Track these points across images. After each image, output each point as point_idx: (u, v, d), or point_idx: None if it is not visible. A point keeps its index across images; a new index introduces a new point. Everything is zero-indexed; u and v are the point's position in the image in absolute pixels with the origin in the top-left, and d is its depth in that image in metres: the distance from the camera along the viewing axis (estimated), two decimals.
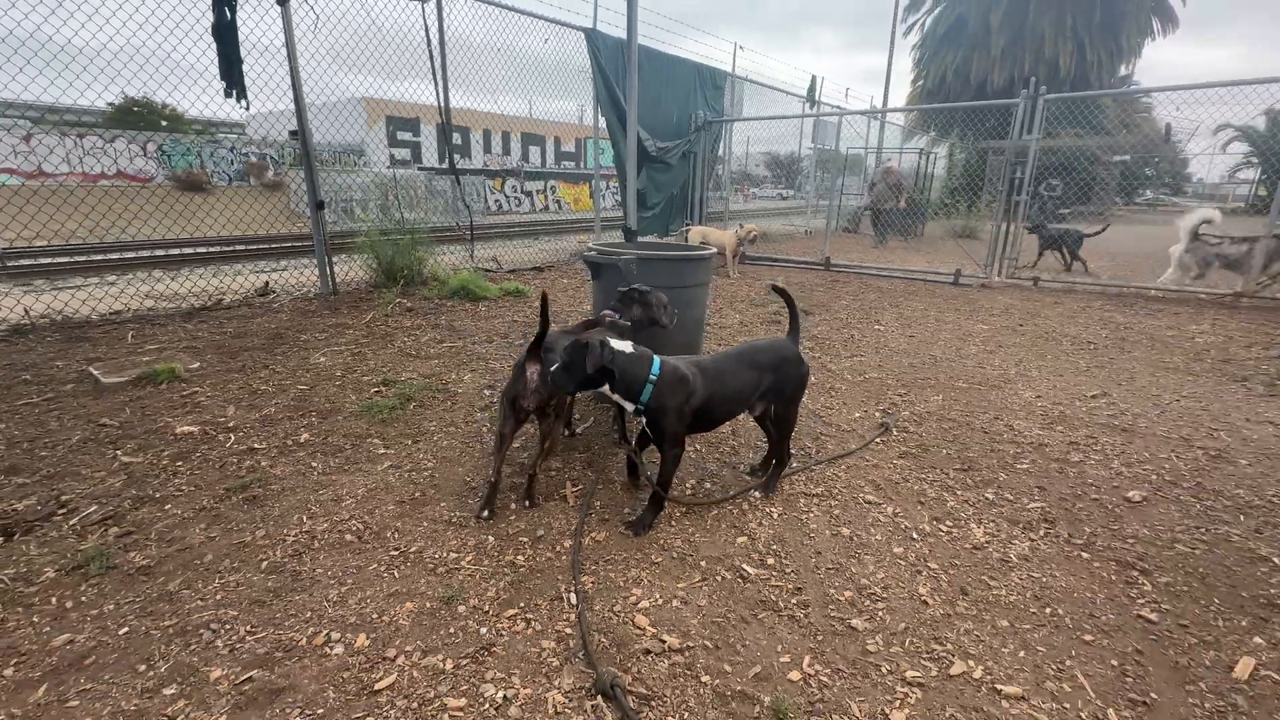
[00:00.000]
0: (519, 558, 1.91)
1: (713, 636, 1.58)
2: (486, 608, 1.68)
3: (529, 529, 2.06)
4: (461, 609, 1.68)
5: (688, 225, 8.59)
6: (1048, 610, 1.72)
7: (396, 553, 1.94)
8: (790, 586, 1.78)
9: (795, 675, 1.48)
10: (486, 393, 3.33)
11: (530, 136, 25.33)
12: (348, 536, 2.02)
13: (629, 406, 1.97)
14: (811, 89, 12.44)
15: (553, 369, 1.93)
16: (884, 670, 1.50)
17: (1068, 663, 1.54)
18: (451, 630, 1.61)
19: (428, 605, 1.70)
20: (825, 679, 1.47)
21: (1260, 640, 1.61)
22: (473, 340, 4.35)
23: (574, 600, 1.71)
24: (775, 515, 2.14)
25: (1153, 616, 1.70)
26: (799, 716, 1.36)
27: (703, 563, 1.88)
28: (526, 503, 2.19)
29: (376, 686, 1.42)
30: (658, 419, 1.95)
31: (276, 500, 2.23)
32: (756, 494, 2.27)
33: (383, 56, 6.31)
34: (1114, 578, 1.87)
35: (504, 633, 1.60)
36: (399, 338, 4.29)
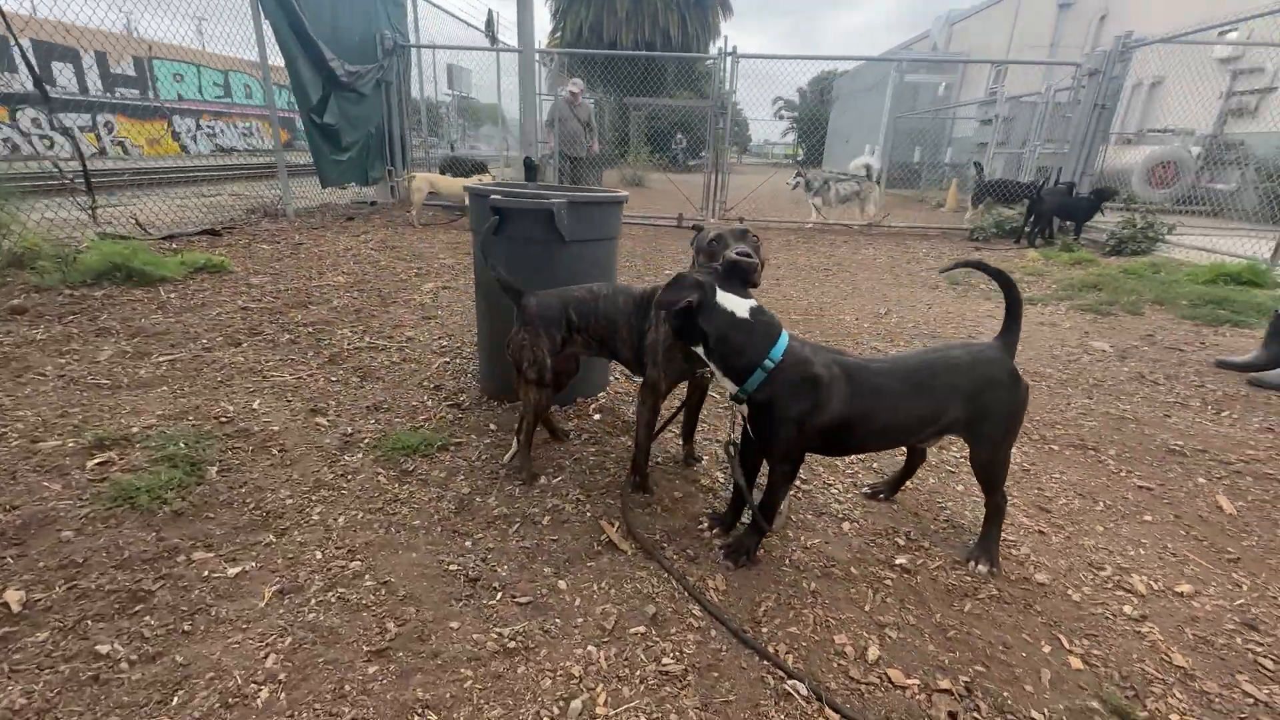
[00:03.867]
0: (665, 658, 1.24)
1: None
2: None
3: (626, 603, 1.36)
4: None
5: (410, 174, 7.14)
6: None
7: None
8: None
9: None
10: (344, 426, 2.14)
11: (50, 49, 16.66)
12: None
13: (728, 387, 1.42)
14: (490, 23, 11.52)
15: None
16: None
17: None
18: None
19: None
20: None
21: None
22: (201, 344, 2.78)
23: (805, 690, 1.18)
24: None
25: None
26: None
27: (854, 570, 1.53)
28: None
29: None
30: (766, 421, 1.39)
31: None
32: (980, 568, 1.54)
33: None
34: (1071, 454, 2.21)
35: None
36: (41, 362, 2.46)
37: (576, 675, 1.19)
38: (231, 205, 6.73)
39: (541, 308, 1.80)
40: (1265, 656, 1.31)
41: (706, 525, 1.68)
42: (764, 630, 1.33)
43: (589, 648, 1.26)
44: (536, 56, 10.17)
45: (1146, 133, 10.76)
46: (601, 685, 1.17)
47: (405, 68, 8.17)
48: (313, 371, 2.61)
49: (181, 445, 1.87)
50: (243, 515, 1.62)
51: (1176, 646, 1.33)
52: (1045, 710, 1.16)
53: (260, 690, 1.12)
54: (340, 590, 1.38)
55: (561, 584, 1.44)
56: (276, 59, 6.01)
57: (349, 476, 1.84)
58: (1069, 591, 1.49)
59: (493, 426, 2.21)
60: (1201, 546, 1.70)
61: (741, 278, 1.44)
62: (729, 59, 7.65)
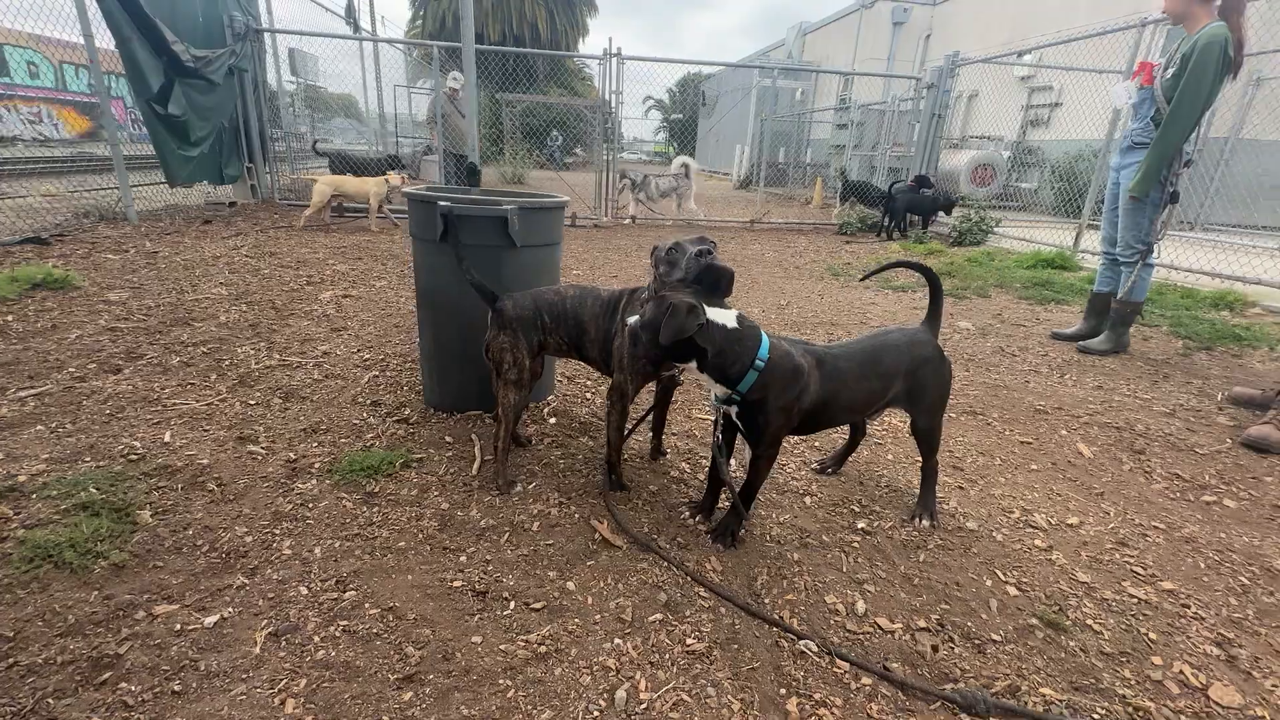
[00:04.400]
0: (687, 639, 1.32)
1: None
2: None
3: (637, 595, 1.42)
4: None
5: (307, 174, 6.52)
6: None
7: None
8: None
9: None
10: (283, 452, 1.96)
11: None
12: None
13: (719, 392, 1.54)
14: (350, 9, 10.70)
15: (629, 332, 1.50)
16: None
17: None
18: None
19: None
20: None
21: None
22: (69, 373, 2.42)
23: (815, 647, 1.32)
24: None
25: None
26: None
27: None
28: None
29: None
30: (758, 417, 1.51)
31: None
32: (924, 523, 1.79)
33: None
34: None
35: None
36: None
37: (612, 667, 1.24)
38: (52, 208, 5.73)
39: (518, 310, 1.81)
40: (1137, 565, 1.66)
41: (689, 514, 1.79)
42: (766, 601, 1.46)
43: (615, 640, 1.31)
44: (404, 49, 9.62)
45: (968, 139, 12.43)
46: (638, 672, 1.23)
47: (260, 54, 7.41)
48: (223, 396, 2.36)
49: (94, 490, 1.64)
50: (197, 559, 1.47)
51: (1078, 567, 1.65)
52: (1000, 631, 1.40)
53: None
54: (343, 623, 1.31)
55: (570, 585, 1.47)
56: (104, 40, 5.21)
57: (310, 505, 1.71)
58: (993, 534, 1.78)
59: (449, 439, 2.15)
60: (1075, 486, 2.09)
61: (713, 285, 1.56)
62: (614, 60, 7.78)
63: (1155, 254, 3.35)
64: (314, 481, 1.83)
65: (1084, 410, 2.69)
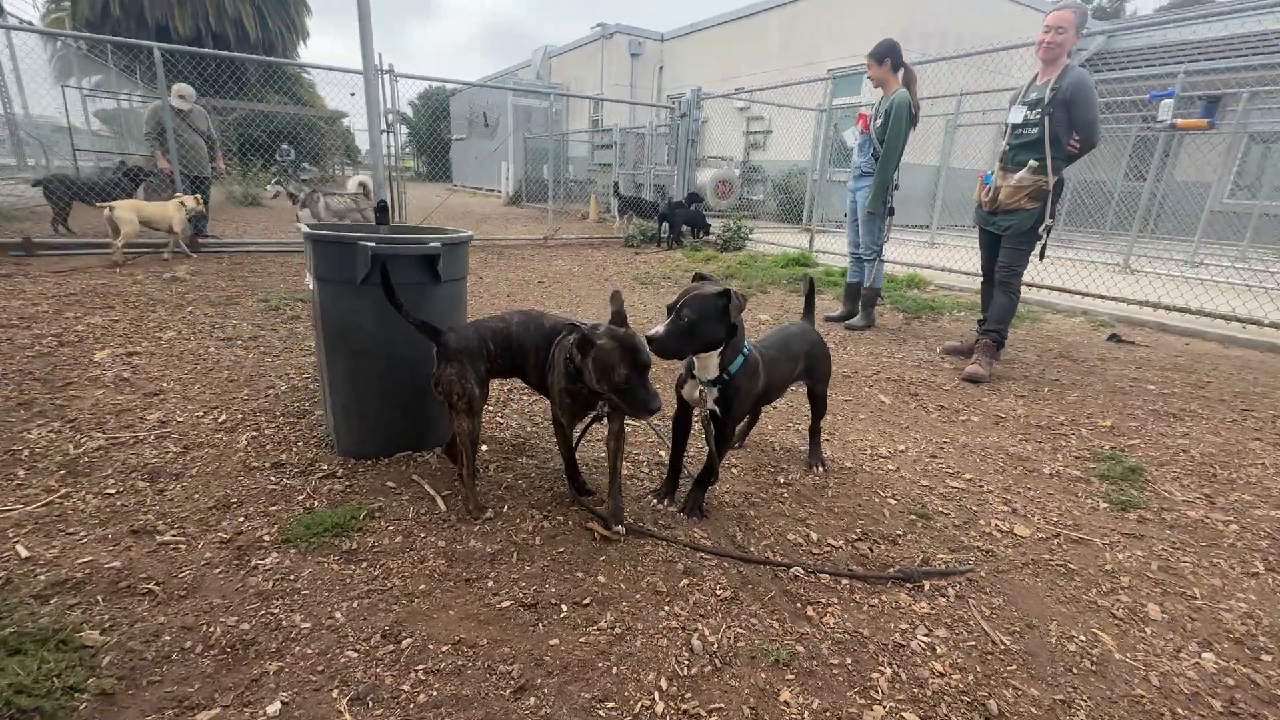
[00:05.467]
0: (717, 591, 1.62)
1: None
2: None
3: (658, 571, 1.67)
4: None
5: (104, 204, 4.93)
6: None
7: None
8: None
9: None
10: (208, 535, 1.69)
11: None
12: None
13: (709, 375, 1.84)
14: None
15: (682, 320, 1.73)
16: None
17: None
18: None
19: None
20: None
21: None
22: None
23: (801, 571, 1.73)
24: None
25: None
26: None
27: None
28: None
29: None
30: (733, 397, 1.85)
31: None
32: (819, 469, 2.33)
33: None
34: None
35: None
36: None
37: (675, 626, 1.49)
38: None
39: (462, 341, 1.88)
40: (947, 468, 2.43)
41: (654, 500, 2.07)
42: (751, 548, 1.83)
43: (664, 609, 1.55)
44: (69, 44, 7.71)
45: (707, 159, 14.49)
46: (697, 624, 1.50)
47: None
48: (60, 491, 1.92)
49: None
50: (200, 661, 1.30)
51: (917, 476, 2.35)
52: (900, 529, 1.98)
53: None
54: (419, 667, 1.32)
55: (600, 578, 1.66)
56: None
57: (291, 577, 1.58)
58: (863, 467, 2.41)
59: (391, 485, 2.09)
60: (890, 424, 2.88)
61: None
62: (387, 76, 7.43)
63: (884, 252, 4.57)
64: (275, 555, 1.67)
65: (870, 371, 3.62)
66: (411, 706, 1.23)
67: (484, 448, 2.41)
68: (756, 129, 14.67)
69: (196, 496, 1.94)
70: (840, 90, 11.98)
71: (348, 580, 1.59)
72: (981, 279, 3.93)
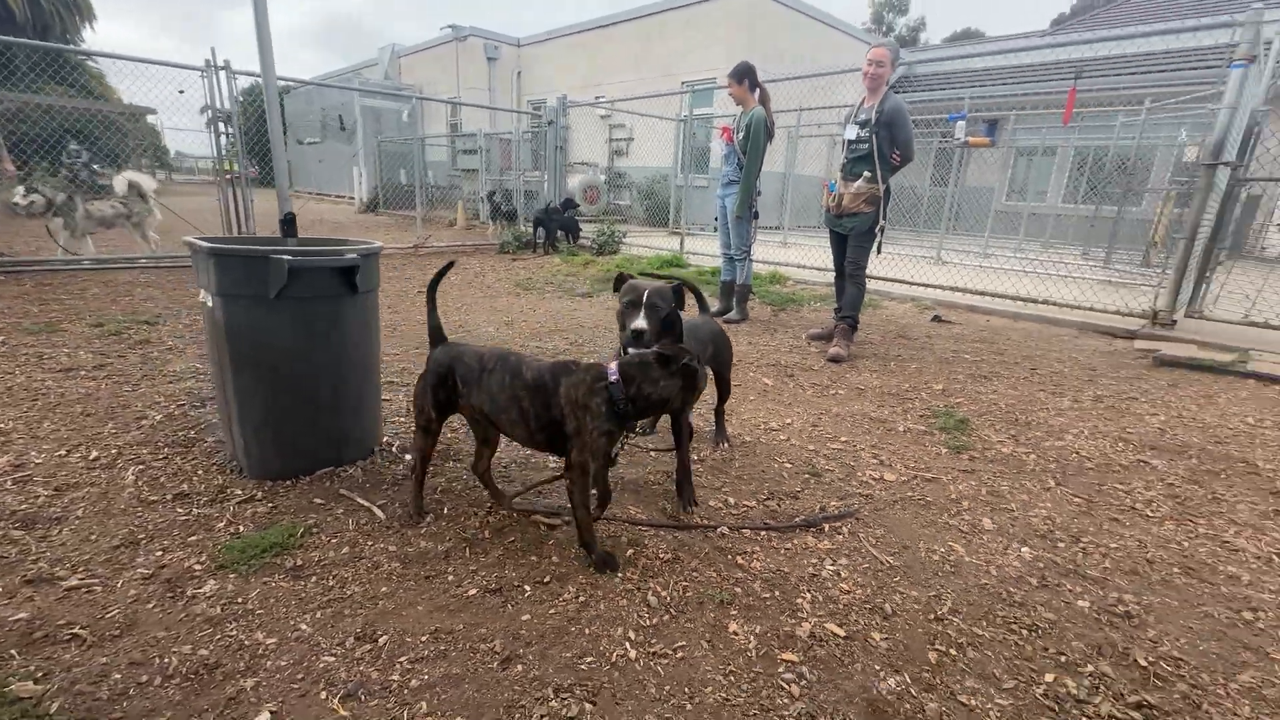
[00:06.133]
0: (661, 554, 1.83)
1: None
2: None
3: (606, 545, 1.84)
4: None
5: None
6: None
7: None
8: None
9: None
10: (127, 574, 1.55)
11: None
12: None
13: None
14: None
15: (656, 311, 1.94)
16: None
17: None
18: None
19: None
20: None
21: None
22: None
23: (726, 530, 1.99)
24: None
25: None
26: None
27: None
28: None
29: None
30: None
31: None
32: (725, 445, 2.62)
33: None
34: None
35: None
36: None
37: (632, 589, 1.68)
38: None
39: (434, 363, 1.88)
40: (826, 434, 2.85)
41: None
42: (681, 517, 2.07)
43: (618, 576, 1.73)
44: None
45: (574, 164, 14.71)
46: (649, 582, 1.70)
47: None
48: None
49: None
50: (164, 690, 1.26)
51: (804, 443, 2.74)
52: (797, 487, 2.33)
53: None
54: (403, 659, 1.39)
55: (554, 559, 1.79)
56: None
57: (239, 600, 1.54)
58: (760, 439, 2.76)
59: (319, 501, 2.05)
60: (776, 402, 3.28)
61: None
62: (223, 73, 6.75)
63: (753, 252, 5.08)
64: (213, 582, 1.61)
65: (752, 359, 4.05)
66: (406, 692, 1.30)
67: (407, 457, 2.42)
68: (619, 136, 15.16)
69: (94, 538, 1.78)
70: (697, 101, 12.79)
71: (302, 595, 1.58)
72: (834, 273, 4.53)
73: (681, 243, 8.80)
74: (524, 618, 1.54)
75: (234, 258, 1.94)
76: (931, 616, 1.62)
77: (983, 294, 5.95)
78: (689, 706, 1.30)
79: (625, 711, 1.28)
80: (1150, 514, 2.20)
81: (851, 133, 4.15)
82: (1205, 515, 2.20)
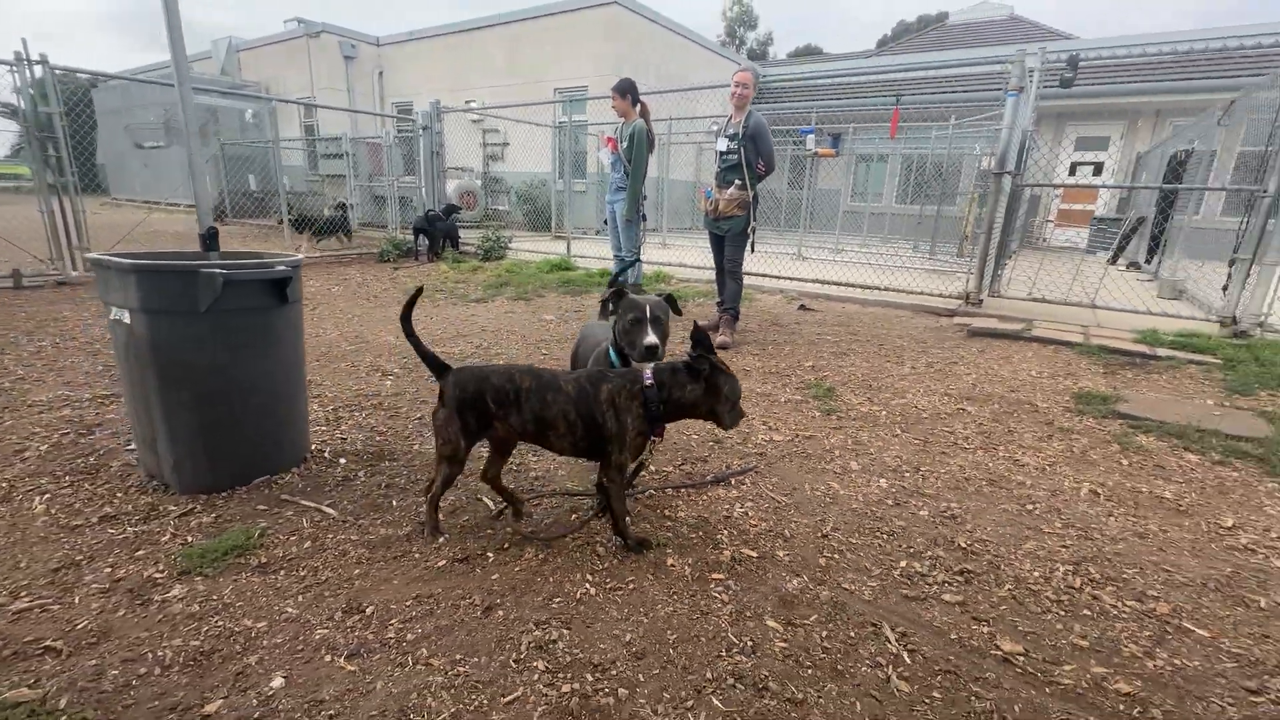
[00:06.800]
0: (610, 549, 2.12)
1: None
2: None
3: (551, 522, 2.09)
4: None
5: None
6: None
7: None
8: None
9: None
10: (76, 595, 1.54)
11: None
12: None
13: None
14: None
15: (660, 326, 2.12)
16: None
17: None
18: None
19: None
20: None
21: None
22: None
23: (651, 492, 2.33)
24: None
25: None
26: None
27: None
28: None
29: None
30: None
31: None
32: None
33: None
34: None
35: None
36: None
37: (583, 543, 1.96)
38: None
39: (459, 389, 1.81)
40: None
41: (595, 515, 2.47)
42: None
43: (569, 536, 2.01)
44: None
45: (449, 169, 14.40)
46: (596, 537, 1.99)
47: None
48: None
49: None
50: (168, 677, 1.35)
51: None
52: (705, 452, 2.72)
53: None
54: (395, 623, 1.57)
55: (508, 529, 2.03)
56: None
57: (215, 597, 1.62)
58: None
59: (262, 508, 2.11)
60: None
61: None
62: (36, 66, 5.98)
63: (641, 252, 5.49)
64: (180, 586, 1.66)
65: None
66: (404, 644, 1.49)
67: (342, 460, 2.50)
68: (493, 141, 15.06)
69: (23, 564, 1.73)
70: (571, 109, 13.10)
71: (278, 585, 1.69)
72: (715, 270, 5.06)
73: (568, 246, 9.06)
74: (493, 577, 1.77)
75: (160, 273, 1.95)
76: (819, 535, 2.07)
77: (838, 284, 6.84)
78: (645, 620, 1.62)
79: (596, 631, 1.57)
80: (966, 446, 2.86)
81: (722, 145, 4.68)
82: (1003, 444, 2.89)
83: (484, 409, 1.81)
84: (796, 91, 16.36)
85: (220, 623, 1.53)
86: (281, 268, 2.13)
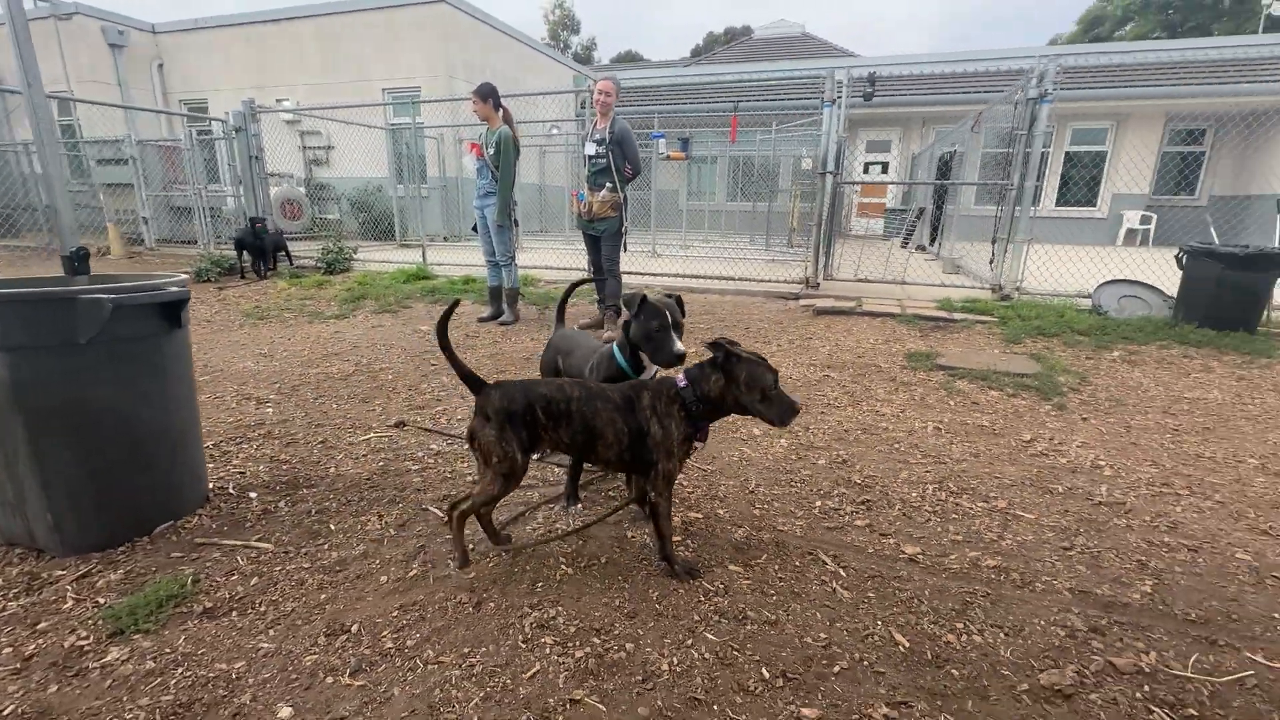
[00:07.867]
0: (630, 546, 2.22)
1: None
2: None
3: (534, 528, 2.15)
4: None
5: None
6: None
7: None
8: None
9: None
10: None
11: None
12: None
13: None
14: None
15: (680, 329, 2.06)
16: None
17: None
18: None
19: None
20: None
21: None
22: None
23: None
24: None
25: None
26: None
27: None
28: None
29: None
30: None
31: None
32: None
33: None
34: None
35: None
36: None
37: (572, 563, 2.06)
38: None
39: (506, 401, 1.74)
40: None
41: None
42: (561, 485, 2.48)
43: (527, 526, 2.09)
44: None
45: (269, 176, 12.91)
46: (557, 524, 2.10)
47: None
48: None
49: None
50: None
51: None
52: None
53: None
54: (385, 634, 1.56)
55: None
56: None
57: (169, 650, 1.47)
58: None
59: (177, 554, 1.91)
60: None
61: None
62: None
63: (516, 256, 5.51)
64: (119, 648, 1.48)
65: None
66: (407, 650, 1.50)
67: (253, 495, 2.31)
68: (315, 144, 13.78)
69: None
70: (405, 111, 12.43)
71: (239, 626, 1.58)
72: (594, 270, 5.26)
73: (424, 254, 8.67)
74: (469, 575, 1.81)
75: (25, 303, 1.68)
76: (747, 491, 2.38)
77: (697, 277, 7.40)
78: (627, 586, 1.78)
79: (586, 603, 1.70)
80: (838, 405, 3.38)
81: (590, 149, 4.89)
82: (864, 400, 3.46)
83: (532, 421, 1.75)
84: (651, 92, 17.07)
85: (188, 672, 1.41)
86: (174, 289, 1.93)
